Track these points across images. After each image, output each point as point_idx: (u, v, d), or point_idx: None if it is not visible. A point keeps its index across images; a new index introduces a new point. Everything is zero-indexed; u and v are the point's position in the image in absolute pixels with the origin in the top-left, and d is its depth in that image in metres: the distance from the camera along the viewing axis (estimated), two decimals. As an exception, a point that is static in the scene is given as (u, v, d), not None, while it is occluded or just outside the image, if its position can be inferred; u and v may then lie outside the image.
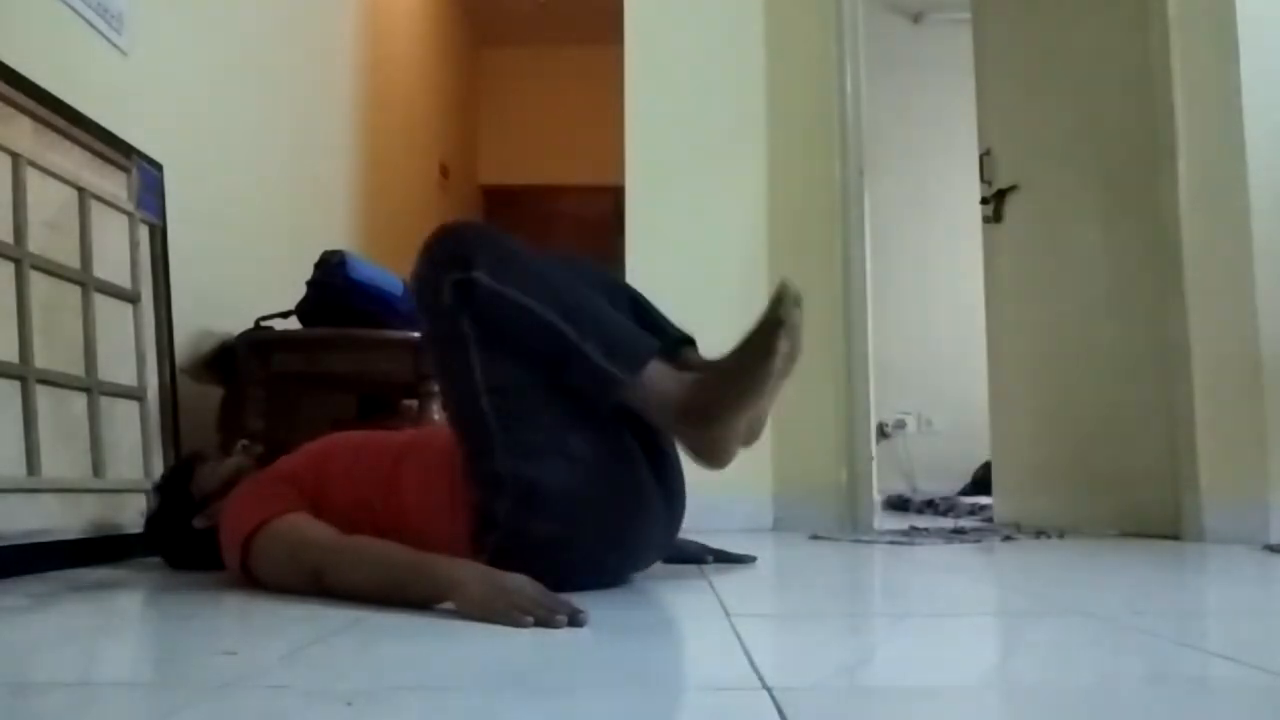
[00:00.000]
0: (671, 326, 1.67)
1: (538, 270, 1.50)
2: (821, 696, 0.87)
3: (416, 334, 2.65)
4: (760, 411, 1.49)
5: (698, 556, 1.95)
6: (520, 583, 1.26)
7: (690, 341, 1.65)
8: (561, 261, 1.59)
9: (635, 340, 1.49)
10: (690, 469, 1.61)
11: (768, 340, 1.38)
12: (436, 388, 1.64)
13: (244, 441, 1.91)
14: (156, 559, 1.94)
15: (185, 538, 1.76)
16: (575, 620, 1.19)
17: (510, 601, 1.21)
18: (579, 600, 1.23)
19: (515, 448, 1.46)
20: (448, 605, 1.29)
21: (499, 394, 1.47)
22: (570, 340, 1.44)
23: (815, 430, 3.12)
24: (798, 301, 1.41)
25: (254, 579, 1.51)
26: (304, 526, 1.50)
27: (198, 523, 1.72)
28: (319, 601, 1.38)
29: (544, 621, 1.18)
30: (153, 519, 1.87)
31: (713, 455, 1.47)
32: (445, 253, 1.48)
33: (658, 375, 1.46)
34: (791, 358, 1.43)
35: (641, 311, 1.67)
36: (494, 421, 1.46)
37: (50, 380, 1.92)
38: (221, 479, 1.74)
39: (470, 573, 1.30)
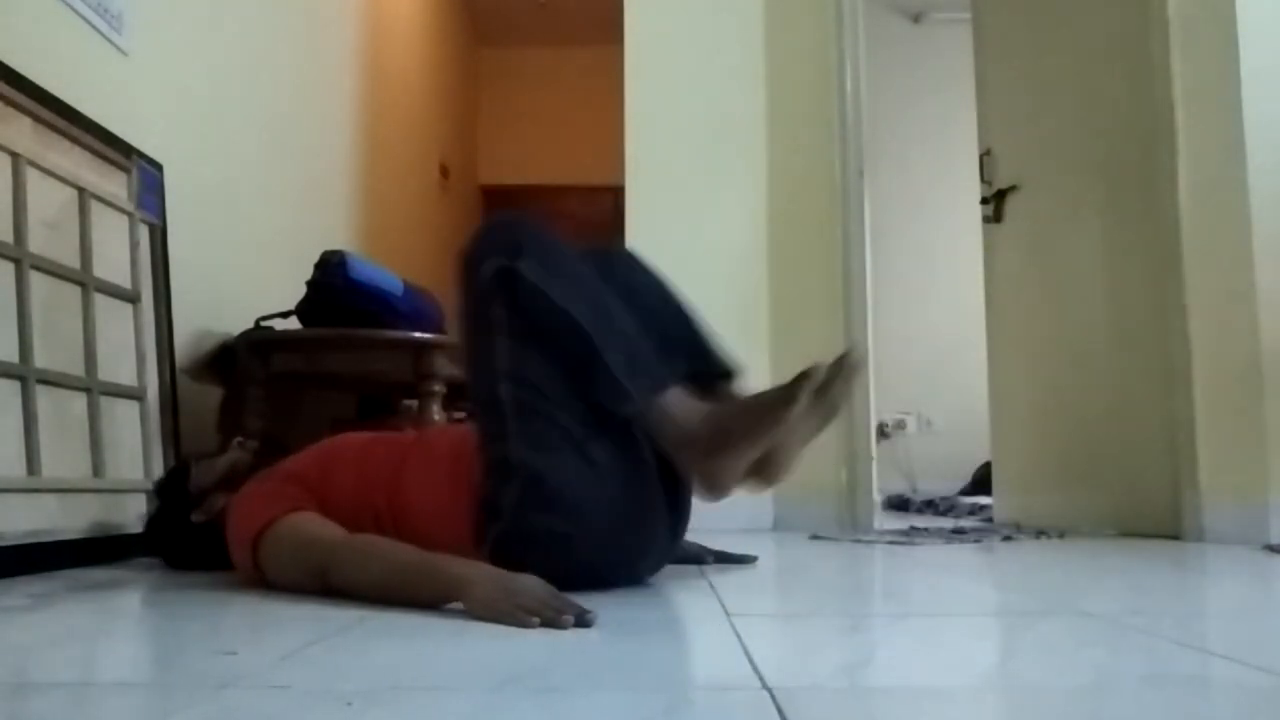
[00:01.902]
0: (719, 354, 1.67)
1: (580, 276, 1.52)
2: (821, 696, 0.87)
3: (416, 334, 2.65)
4: (774, 458, 1.46)
5: (698, 557, 1.94)
6: (529, 583, 1.25)
7: (731, 375, 1.66)
8: (604, 266, 1.59)
9: (658, 364, 1.50)
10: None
11: (789, 392, 1.38)
12: (463, 365, 1.66)
13: (239, 438, 1.92)
14: (157, 559, 1.94)
15: (185, 537, 1.76)
16: (583, 621, 1.18)
17: (516, 602, 1.20)
18: (583, 601, 1.23)
19: (528, 438, 1.47)
20: (454, 605, 1.28)
21: (519, 383, 1.49)
22: (595, 349, 1.46)
23: (815, 430, 3.12)
24: (855, 368, 1.43)
25: (264, 578, 1.51)
26: (311, 525, 1.49)
27: (196, 517, 1.72)
28: (320, 601, 1.38)
29: (550, 622, 1.17)
30: (152, 520, 1.88)
31: (711, 487, 1.47)
32: (496, 238, 1.53)
33: (674, 400, 1.47)
34: (826, 418, 1.44)
35: (693, 333, 1.67)
36: (510, 409, 1.49)
37: (50, 380, 1.92)
38: (218, 474, 1.75)
39: (479, 573, 1.29)
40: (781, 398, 1.39)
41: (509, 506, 1.47)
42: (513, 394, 1.49)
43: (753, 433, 1.41)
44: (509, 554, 1.39)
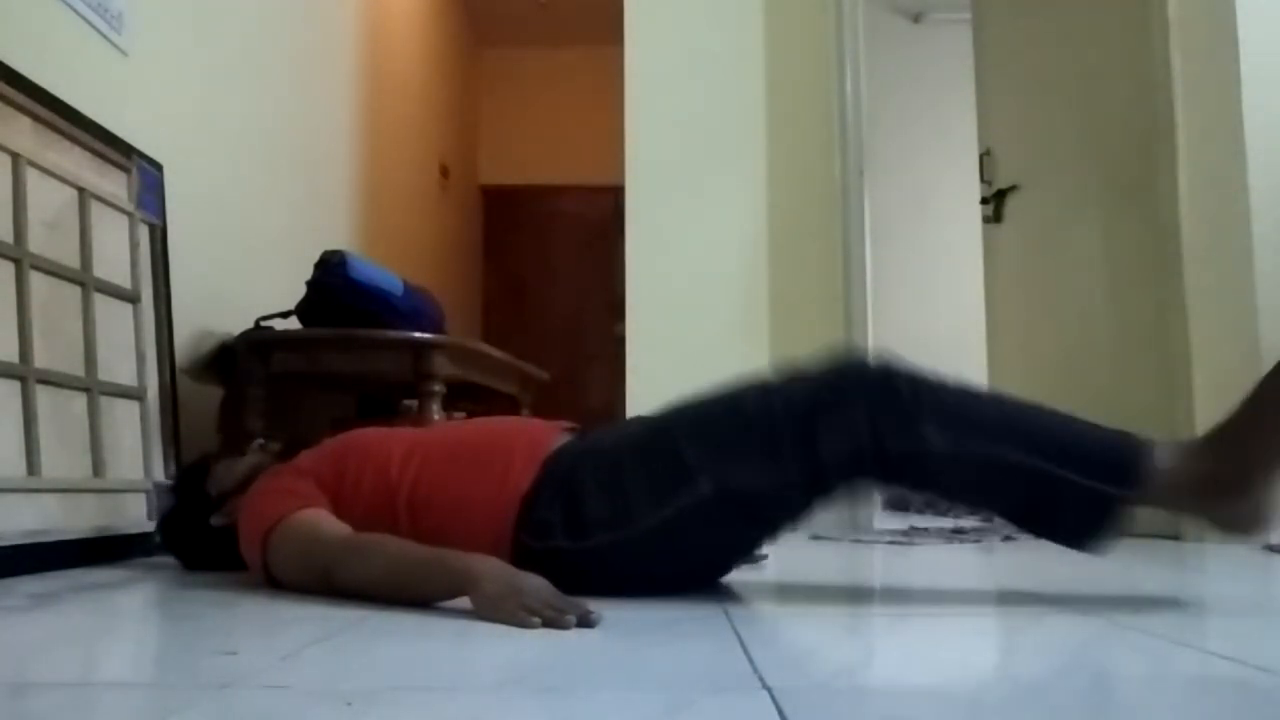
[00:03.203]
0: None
1: (982, 409, 1.41)
2: (821, 696, 0.87)
3: (416, 334, 2.65)
4: None
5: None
6: (535, 584, 1.24)
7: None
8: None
9: (1118, 444, 1.36)
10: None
11: None
12: (684, 405, 1.49)
13: (260, 440, 1.89)
14: (158, 559, 1.94)
15: (202, 537, 1.74)
16: (585, 621, 1.18)
17: (520, 602, 1.20)
18: (585, 601, 1.23)
19: (664, 526, 1.41)
20: (456, 603, 1.28)
21: (721, 493, 1.39)
22: (1046, 474, 1.33)
23: (815, 430, 3.12)
24: None
25: (275, 578, 1.50)
26: (319, 523, 1.48)
27: (215, 521, 1.70)
28: (322, 601, 1.38)
29: (552, 623, 1.17)
30: (167, 519, 1.86)
31: (1252, 523, 1.33)
32: (888, 402, 1.40)
33: (1164, 458, 1.34)
34: None
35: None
36: (684, 500, 1.40)
37: (50, 380, 1.91)
38: (239, 477, 1.71)
39: (488, 568, 1.27)
40: None
41: (600, 546, 1.43)
42: (703, 495, 1.39)
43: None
44: (553, 567, 1.34)
